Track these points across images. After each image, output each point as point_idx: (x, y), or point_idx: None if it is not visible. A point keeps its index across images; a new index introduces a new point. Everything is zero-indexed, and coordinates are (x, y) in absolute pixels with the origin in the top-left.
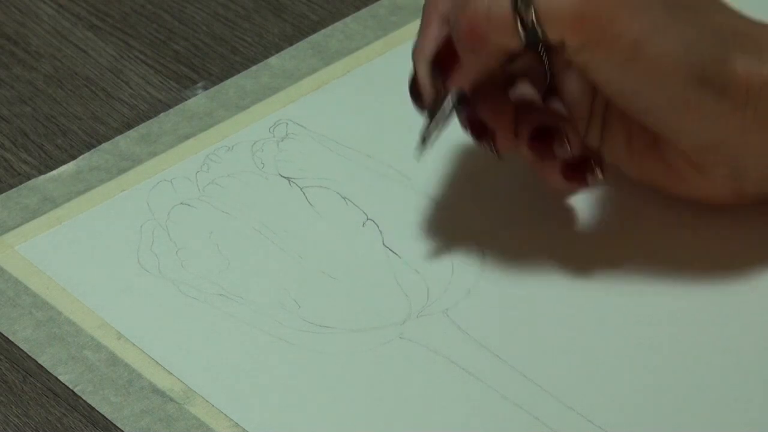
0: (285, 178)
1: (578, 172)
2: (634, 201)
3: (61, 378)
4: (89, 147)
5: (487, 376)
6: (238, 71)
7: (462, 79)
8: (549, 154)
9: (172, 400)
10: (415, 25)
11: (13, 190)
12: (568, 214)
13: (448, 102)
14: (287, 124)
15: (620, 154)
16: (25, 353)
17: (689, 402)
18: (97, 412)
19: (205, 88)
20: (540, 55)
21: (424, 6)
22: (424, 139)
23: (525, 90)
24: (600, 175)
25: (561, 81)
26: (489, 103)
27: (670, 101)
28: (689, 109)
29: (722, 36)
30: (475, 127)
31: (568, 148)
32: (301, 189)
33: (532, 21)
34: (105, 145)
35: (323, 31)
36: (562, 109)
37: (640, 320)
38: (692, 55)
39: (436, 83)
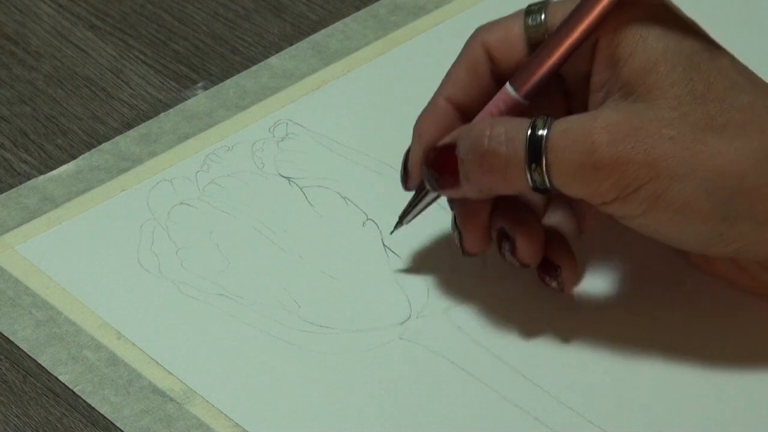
0: (285, 178)
1: (543, 273)
2: None
3: (61, 378)
4: (89, 147)
5: (487, 376)
6: (238, 71)
7: (454, 195)
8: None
9: (172, 400)
10: (414, 25)
11: (13, 190)
12: None
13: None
14: (287, 124)
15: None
16: (25, 353)
17: (689, 402)
18: (97, 412)
19: (205, 88)
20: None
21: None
22: (401, 218)
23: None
24: (557, 287)
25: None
26: (463, 205)
27: (705, 238)
28: (728, 241)
29: (755, 158)
30: (453, 220)
31: (515, 262)
32: (301, 189)
33: (543, 171)
34: (105, 145)
35: (323, 31)
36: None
37: (641, 319)
38: (714, 195)
39: (426, 179)
